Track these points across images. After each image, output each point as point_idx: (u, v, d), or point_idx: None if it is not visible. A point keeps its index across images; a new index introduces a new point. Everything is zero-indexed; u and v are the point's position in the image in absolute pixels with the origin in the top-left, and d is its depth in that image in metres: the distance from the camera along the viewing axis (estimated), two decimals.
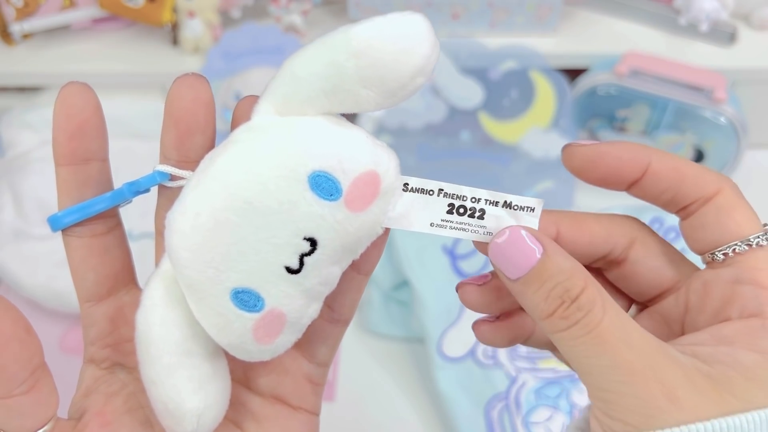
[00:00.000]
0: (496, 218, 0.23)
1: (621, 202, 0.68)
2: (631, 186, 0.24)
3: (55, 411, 0.23)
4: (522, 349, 0.56)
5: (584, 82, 0.66)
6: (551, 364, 0.55)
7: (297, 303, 0.22)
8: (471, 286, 0.25)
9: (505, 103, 0.68)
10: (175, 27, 0.68)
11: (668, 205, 0.24)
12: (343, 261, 0.23)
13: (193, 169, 0.22)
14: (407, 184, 0.23)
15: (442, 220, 0.23)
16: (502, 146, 0.68)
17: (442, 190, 0.23)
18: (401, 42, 0.20)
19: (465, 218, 0.23)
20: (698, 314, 0.23)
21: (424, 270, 0.59)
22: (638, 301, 0.26)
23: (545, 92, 0.67)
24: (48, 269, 0.60)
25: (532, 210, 0.23)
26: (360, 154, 0.21)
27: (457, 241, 0.62)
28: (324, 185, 0.21)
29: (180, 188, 0.22)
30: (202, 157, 0.22)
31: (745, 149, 0.63)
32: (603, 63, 0.65)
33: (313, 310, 0.23)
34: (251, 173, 0.21)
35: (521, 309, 0.25)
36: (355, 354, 0.61)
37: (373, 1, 0.67)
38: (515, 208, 0.23)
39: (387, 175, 0.22)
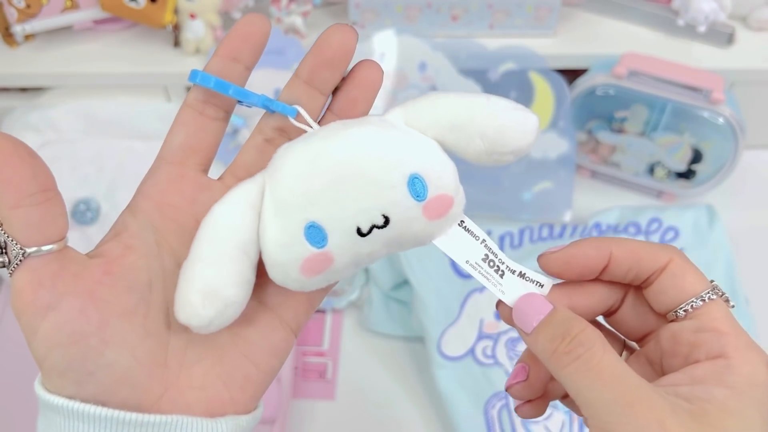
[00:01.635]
0: (512, 282, 0.29)
1: (618, 203, 0.68)
2: (601, 273, 0.29)
3: (64, 234, 0.25)
4: (521, 348, 0.57)
5: (583, 83, 0.66)
6: None
7: (346, 258, 0.26)
8: (518, 385, 0.30)
9: None
10: (176, 28, 0.68)
11: (634, 281, 0.29)
12: (391, 248, 0.27)
13: (314, 99, 0.28)
14: (463, 222, 0.28)
15: (476, 263, 0.28)
16: None
17: (485, 241, 0.28)
18: (522, 125, 0.27)
19: (491, 271, 0.29)
20: (672, 358, 0.27)
21: (423, 270, 0.60)
22: (628, 342, 0.31)
23: (544, 93, 0.68)
24: None
25: (542, 286, 0.29)
26: (450, 179, 0.27)
27: None
28: (417, 186, 0.26)
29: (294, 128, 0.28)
30: (323, 88, 0.28)
31: (743, 149, 0.64)
32: (601, 64, 0.65)
33: (349, 272, 0.27)
34: (374, 150, 0.26)
35: (549, 384, 0.30)
36: (356, 353, 0.62)
37: (373, 2, 0.67)
38: (527, 279, 0.29)
39: (457, 205, 0.27)
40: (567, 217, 0.67)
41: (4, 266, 0.25)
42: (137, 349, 0.26)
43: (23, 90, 0.73)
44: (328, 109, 0.29)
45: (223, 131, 0.29)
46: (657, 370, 0.28)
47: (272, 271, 0.26)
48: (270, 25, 0.28)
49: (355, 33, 0.27)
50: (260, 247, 0.26)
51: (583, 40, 0.69)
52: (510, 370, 0.56)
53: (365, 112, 0.29)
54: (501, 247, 0.64)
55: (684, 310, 0.27)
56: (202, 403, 0.27)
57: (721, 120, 0.62)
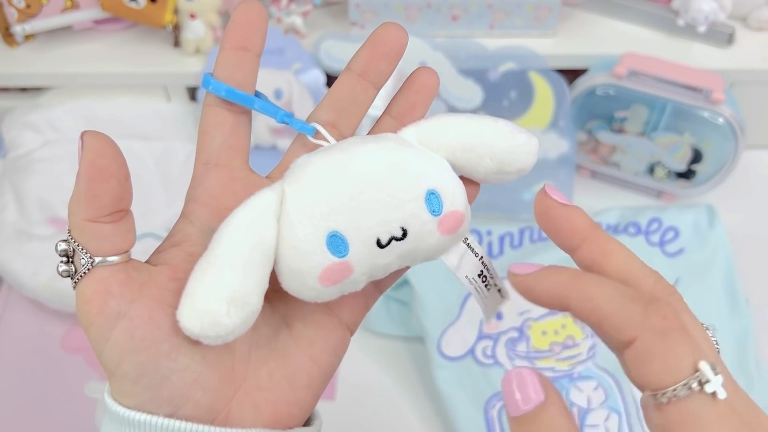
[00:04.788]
0: (493, 294, 0.30)
1: (618, 203, 0.68)
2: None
3: (130, 247, 0.26)
4: (521, 348, 0.57)
5: (583, 83, 0.66)
6: (550, 363, 0.56)
7: (363, 269, 0.26)
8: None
9: (504, 104, 0.69)
10: (176, 28, 0.68)
11: (602, 338, 0.25)
12: (404, 261, 0.28)
13: (367, 91, 0.29)
14: (467, 239, 0.29)
15: (473, 278, 0.29)
16: None
17: (482, 258, 0.30)
18: (527, 148, 0.28)
19: (482, 286, 0.30)
20: None
21: (424, 270, 0.60)
22: None
23: (544, 93, 0.68)
24: (50, 269, 0.61)
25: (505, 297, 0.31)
26: (461, 196, 0.28)
27: None
28: (434, 202, 0.27)
29: (314, 145, 0.29)
30: (376, 81, 0.29)
31: (743, 150, 0.64)
32: (601, 64, 0.65)
33: (363, 284, 0.27)
34: (395, 165, 0.26)
35: None
36: (355, 353, 0.61)
37: (373, 2, 0.67)
38: (502, 294, 0.30)
39: (466, 222, 0.28)
40: None
41: (69, 276, 0.25)
42: (207, 354, 0.26)
43: (23, 90, 0.73)
44: (385, 112, 0.30)
45: (251, 122, 0.29)
46: None
47: (288, 279, 0.26)
48: (266, 10, 0.28)
49: (406, 33, 0.29)
50: (276, 254, 0.26)
51: (583, 40, 0.69)
52: (510, 369, 0.56)
53: (421, 117, 0.30)
54: (501, 248, 0.64)
55: (654, 396, 0.22)
56: (270, 404, 0.27)
57: (721, 120, 0.62)
